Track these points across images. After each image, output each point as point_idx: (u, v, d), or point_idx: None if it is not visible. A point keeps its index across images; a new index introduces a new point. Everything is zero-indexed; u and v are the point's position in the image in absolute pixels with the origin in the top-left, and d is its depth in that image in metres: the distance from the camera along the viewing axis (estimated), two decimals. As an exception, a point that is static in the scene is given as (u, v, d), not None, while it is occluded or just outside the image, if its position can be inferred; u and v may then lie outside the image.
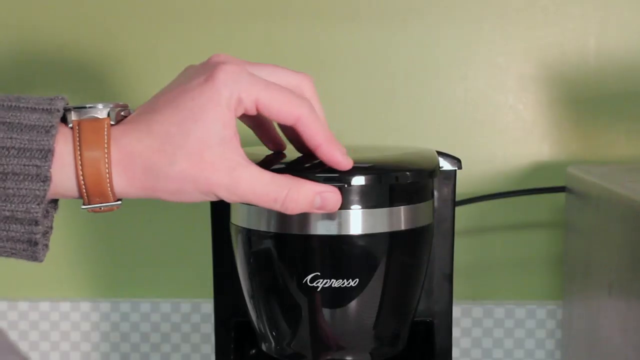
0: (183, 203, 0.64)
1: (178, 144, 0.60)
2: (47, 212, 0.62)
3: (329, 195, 0.67)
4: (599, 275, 0.92)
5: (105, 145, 0.59)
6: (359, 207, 0.73)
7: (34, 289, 1.20)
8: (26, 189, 0.57)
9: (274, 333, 0.79)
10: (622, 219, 0.83)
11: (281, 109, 0.64)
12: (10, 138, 0.57)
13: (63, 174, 0.59)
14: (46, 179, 0.57)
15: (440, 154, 0.83)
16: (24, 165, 0.57)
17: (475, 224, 1.14)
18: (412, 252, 0.78)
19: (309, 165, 0.71)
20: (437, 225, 0.83)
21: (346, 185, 0.70)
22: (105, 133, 0.59)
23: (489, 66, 1.11)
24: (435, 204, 0.83)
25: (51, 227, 0.63)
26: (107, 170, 0.59)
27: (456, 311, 1.12)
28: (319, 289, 0.74)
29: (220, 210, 0.84)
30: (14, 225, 0.58)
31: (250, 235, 0.76)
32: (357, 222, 0.73)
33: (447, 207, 0.85)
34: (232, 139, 0.62)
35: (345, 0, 1.11)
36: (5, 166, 0.57)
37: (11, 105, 0.58)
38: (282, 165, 0.72)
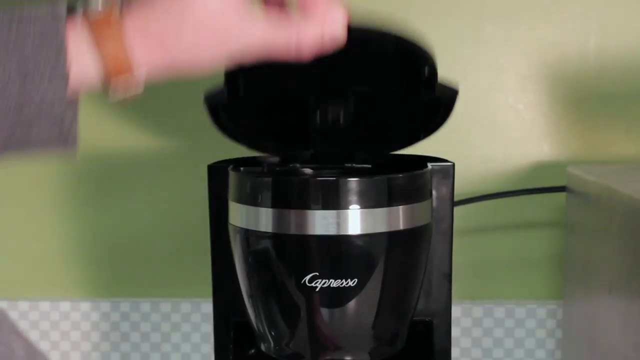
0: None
1: (187, 5, 0.63)
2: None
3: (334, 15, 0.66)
4: (599, 275, 0.92)
5: (119, 34, 0.62)
6: (358, 207, 0.73)
7: (34, 289, 1.20)
8: (44, 90, 0.59)
9: (272, 333, 0.79)
10: (622, 218, 0.83)
11: None
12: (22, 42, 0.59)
13: (82, 61, 0.61)
14: (63, 76, 0.60)
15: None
16: (42, 64, 0.59)
17: (476, 224, 1.14)
18: (411, 252, 0.78)
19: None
20: (435, 224, 0.83)
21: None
22: (115, 19, 0.62)
23: (489, 66, 1.11)
24: (434, 203, 0.83)
25: (75, 118, 0.64)
26: (123, 43, 0.61)
27: (456, 311, 1.12)
28: (317, 289, 0.74)
29: (219, 210, 0.84)
30: (40, 126, 0.61)
31: (248, 235, 0.76)
32: (355, 222, 0.73)
33: (445, 206, 0.85)
34: None
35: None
36: (25, 67, 0.59)
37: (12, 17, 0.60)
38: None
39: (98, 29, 0.62)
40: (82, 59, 0.61)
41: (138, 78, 0.63)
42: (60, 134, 0.62)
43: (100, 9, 0.63)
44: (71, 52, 0.60)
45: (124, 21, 0.62)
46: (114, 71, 0.62)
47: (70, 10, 0.63)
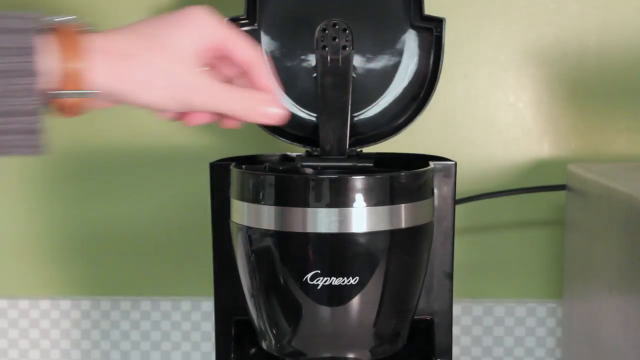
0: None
1: (157, 39, 0.68)
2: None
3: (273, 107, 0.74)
4: (599, 273, 0.92)
5: (81, 45, 0.65)
6: (360, 205, 0.73)
7: (34, 288, 1.20)
8: (19, 84, 0.63)
9: (274, 331, 0.79)
10: (622, 217, 0.83)
11: (244, 47, 0.73)
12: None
13: (49, 69, 0.64)
14: (33, 73, 0.63)
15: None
16: (15, 62, 0.63)
17: (476, 222, 1.14)
18: (413, 250, 0.78)
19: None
20: (437, 223, 0.84)
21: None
22: (80, 34, 0.66)
23: (489, 65, 1.11)
24: (436, 202, 0.84)
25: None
26: (83, 61, 0.65)
27: (456, 309, 1.12)
28: (319, 287, 0.74)
29: (220, 208, 0.84)
30: (18, 118, 0.64)
31: (250, 233, 0.76)
32: (357, 220, 0.73)
33: (447, 205, 0.85)
34: (203, 55, 0.70)
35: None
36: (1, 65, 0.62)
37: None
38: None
39: (66, 39, 0.65)
40: (47, 65, 0.64)
41: (86, 96, 0.66)
42: (32, 128, 0.65)
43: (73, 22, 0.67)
44: (39, 54, 0.63)
45: (92, 37, 0.66)
46: (66, 83, 0.65)
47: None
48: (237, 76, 0.76)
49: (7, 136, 0.65)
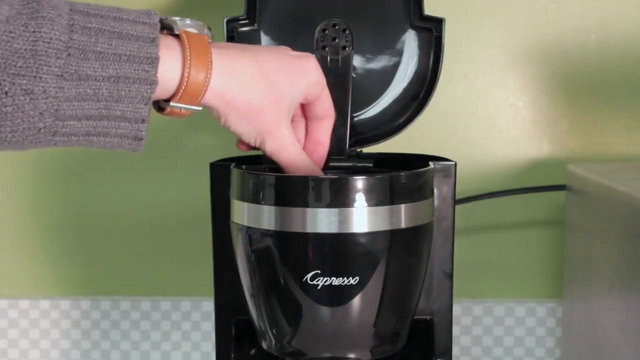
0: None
1: (268, 80, 0.73)
2: None
3: None
4: (599, 274, 0.92)
5: (210, 61, 0.69)
6: (360, 205, 0.73)
7: (34, 288, 1.20)
8: (136, 90, 0.65)
9: (274, 331, 0.79)
10: (622, 217, 0.83)
11: (329, 105, 0.80)
12: (122, 46, 0.64)
13: (168, 75, 0.67)
14: (153, 82, 0.65)
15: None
16: (135, 70, 0.65)
17: (476, 222, 1.14)
18: (413, 251, 0.78)
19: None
20: (437, 223, 0.84)
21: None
22: (209, 50, 0.69)
23: (489, 65, 1.11)
24: (435, 202, 0.84)
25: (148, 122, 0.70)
26: (207, 78, 0.69)
27: (456, 309, 1.12)
28: (319, 287, 0.74)
29: (220, 207, 0.84)
30: (124, 124, 0.66)
31: (250, 233, 0.76)
32: (357, 220, 0.73)
33: (447, 205, 0.85)
34: (296, 107, 0.77)
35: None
36: (119, 70, 0.64)
37: (116, 17, 0.65)
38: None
39: (194, 50, 0.68)
40: (168, 76, 0.67)
41: (198, 104, 0.70)
42: (137, 135, 0.67)
43: (194, 31, 0.70)
44: (162, 62, 0.66)
45: (216, 51, 0.70)
46: (186, 93, 0.68)
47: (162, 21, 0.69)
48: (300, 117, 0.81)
49: (111, 139, 0.67)
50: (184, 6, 1.13)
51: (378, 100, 0.91)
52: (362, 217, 0.73)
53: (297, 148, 0.77)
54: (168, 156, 1.15)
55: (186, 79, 0.68)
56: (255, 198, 0.76)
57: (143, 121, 0.67)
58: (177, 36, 0.69)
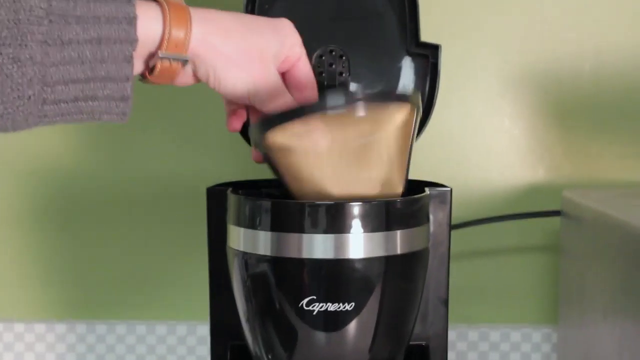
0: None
1: (251, 29, 0.75)
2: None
3: None
4: (594, 299, 0.92)
5: (189, 13, 0.71)
6: (356, 231, 0.73)
7: (30, 311, 1.20)
8: (118, 50, 0.67)
9: (269, 356, 0.79)
10: (617, 243, 0.83)
11: (308, 71, 0.80)
12: (100, 8, 0.66)
13: (150, 30, 0.70)
14: (133, 41, 0.68)
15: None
16: (114, 30, 0.67)
17: (471, 248, 1.14)
18: (408, 276, 0.78)
19: None
20: (432, 249, 0.84)
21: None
22: (187, 7, 0.71)
23: (485, 91, 1.12)
24: (431, 228, 0.84)
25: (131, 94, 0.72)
26: (188, 30, 0.71)
27: (452, 335, 1.12)
28: (315, 313, 0.74)
29: (217, 232, 0.84)
30: (110, 84, 0.68)
31: (246, 258, 0.77)
32: (353, 246, 0.73)
33: (442, 231, 0.85)
34: (279, 62, 0.77)
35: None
36: (99, 32, 0.66)
37: None
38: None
39: (172, 7, 0.70)
40: (149, 30, 0.69)
41: (179, 60, 0.71)
42: (123, 95, 0.69)
43: None
44: (141, 20, 0.68)
45: (194, 9, 0.72)
46: (171, 41, 0.70)
47: None
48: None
49: (98, 102, 0.68)
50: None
51: None
52: (358, 243, 0.73)
53: (289, 96, 0.78)
54: (165, 180, 1.16)
55: (167, 32, 0.69)
56: (251, 223, 0.76)
57: (127, 79, 0.68)
58: (155, 1, 0.72)
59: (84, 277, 1.19)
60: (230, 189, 0.82)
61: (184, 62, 0.72)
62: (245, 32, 0.74)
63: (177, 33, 0.70)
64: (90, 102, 0.68)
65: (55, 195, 1.18)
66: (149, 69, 0.72)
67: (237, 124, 0.82)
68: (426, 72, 0.92)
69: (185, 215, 1.15)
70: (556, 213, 1.06)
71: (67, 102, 0.67)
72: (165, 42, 0.70)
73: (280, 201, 0.76)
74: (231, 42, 0.73)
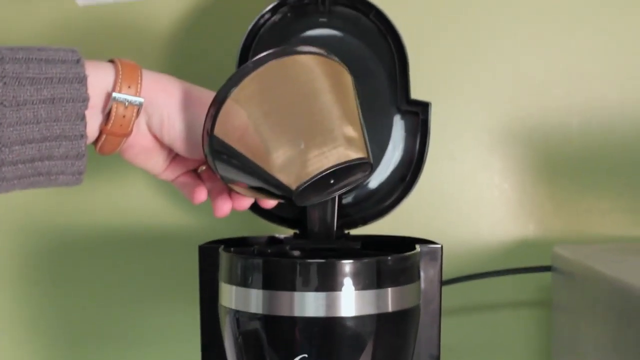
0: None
1: (191, 95, 0.76)
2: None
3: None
4: (586, 355, 0.92)
5: (140, 70, 0.74)
6: (347, 289, 0.73)
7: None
8: (71, 108, 0.70)
9: (261, 415, 0.79)
10: (608, 299, 0.84)
11: None
12: (51, 70, 0.69)
13: (102, 89, 0.72)
14: (85, 99, 0.70)
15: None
16: (66, 89, 0.69)
17: (462, 304, 1.14)
18: (399, 334, 0.78)
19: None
20: (423, 306, 0.84)
21: None
22: (139, 74, 0.74)
23: (475, 146, 1.13)
24: (422, 285, 0.84)
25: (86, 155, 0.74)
26: (139, 77, 0.74)
27: (444, 391, 1.11)
28: (306, 371, 0.74)
29: (208, 290, 0.84)
30: (65, 142, 0.70)
31: (238, 316, 0.77)
32: (345, 303, 0.73)
33: (433, 288, 0.86)
34: None
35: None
36: (53, 92, 0.69)
37: (39, 49, 0.70)
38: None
39: (124, 68, 0.73)
40: (101, 84, 0.72)
41: (138, 107, 0.73)
42: (78, 153, 0.71)
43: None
44: (92, 77, 0.71)
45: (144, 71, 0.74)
46: (124, 79, 0.73)
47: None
48: None
49: (55, 161, 0.71)
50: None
51: (365, 183, 0.93)
52: (349, 300, 0.73)
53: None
54: (156, 237, 1.16)
55: (120, 79, 0.72)
56: (243, 281, 0.76)
57: (82, 136, 0.71)
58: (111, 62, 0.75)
59: (73, 332, 1.18)
60: (222, 246, 0.82)
61: (139, 105, 0.73)
62: (185, 98, 0.76)
63: (129, 77, 0.73)
64: (47, 162, 0.70)
65: (44, 251, 1.17)
66: (105, 121, 0.74)
67: (201, 194, 0.83)
68: (416, 129, 0.92)
69: (178, 271, 1.15)
70: (547, 269, 1.06)
71: (24, 163, 0.69)
72: (119, 85, 0.72)
73: (272, 259, 0.77)
74: (181, 86, 0.76)
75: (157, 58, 1.13)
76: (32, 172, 0.70)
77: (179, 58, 1.13)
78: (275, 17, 0.94)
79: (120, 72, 0.72)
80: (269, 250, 0.84)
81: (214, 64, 1.12)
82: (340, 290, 0.73)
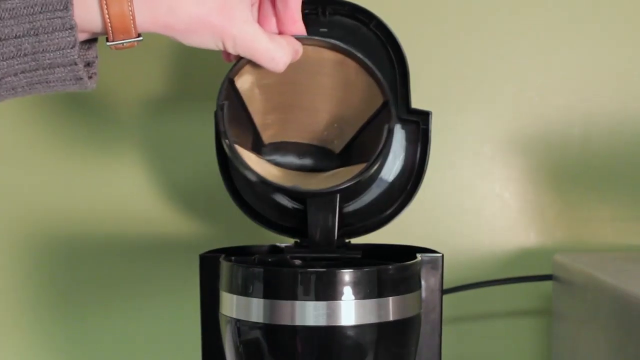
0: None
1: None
2: (89, 46, 0.71)
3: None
4: (586, 364, 0.92)
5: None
6: (348, 298, 0.73)
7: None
8: (58, 39, 0.65)
9: None
10: (608, 307, 0.84)
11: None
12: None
13: (89, 15, 0.67)
14: (72, 27, 0.65)
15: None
16: (49, 18, 0.65)
17: (462, 312, 1.14)
18: (400, 343, 0.78)
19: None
20: (424, 315, 0.84)
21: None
22: None
23: (475, 155, 1.13)
24: (423, 294, 0.84)
25: (96, 56, 0.72)
26: (130, 10, 0.67)
27: (445, 400, 1.11)
28: (307, 380, 0.74)
29: (209, 299, 0.84)
30: (58, 69, 0.67)
31: (239, 325, 0.77)
32: (345, 313, 0.73)
33: (434, 297, 0.86)
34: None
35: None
36: (35, 22, 0.64)
37: None
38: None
39: None
40: (89, 16, 0.67)
41: (136, 35, 0.69)
42: (75, 76, 0.68)
43: None
44: (78, 8, 0.66)
45: None
46: (116, 30, 0.68)
47: None
48: None
49: (54, 83, 0.68)
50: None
51: (366, 192, 0.93)
52: (350, 310, 0.73)
53: (265, 37, 0.74)
54: (157, 247, 1.16)
55: (107, 15, 0.67)
56: (244, 290, 0.76)
57: (76, 63, 0.67)
58: None
59: (72, 336, 1.18)
60: (223, 255, 0.82)
61: (138, 40, 0.70)
62: None
63: (120, 18, 0.68)
64: (46, 84, 0.68)
65: (45, 258, 1.17)
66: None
67: (228, 58, 0.79)
68: (417, 138, 0.92)
69: (178, 280, 1.15)
70: (548, 277, 1.06)
71: (23, 87, 0.67)
72: (110, 30, 0.68)
73: (273, 269, 0.77)
74: (180, 16, 0.70)
75: (161, 50, 1.13)
76: (32, 90, 0.68)
77: (180, 56, 1.13)
78: None
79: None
80: (270, 260, 0.84)
81: (214, 64, 1.12)
82: (341, 299, 0.73)
